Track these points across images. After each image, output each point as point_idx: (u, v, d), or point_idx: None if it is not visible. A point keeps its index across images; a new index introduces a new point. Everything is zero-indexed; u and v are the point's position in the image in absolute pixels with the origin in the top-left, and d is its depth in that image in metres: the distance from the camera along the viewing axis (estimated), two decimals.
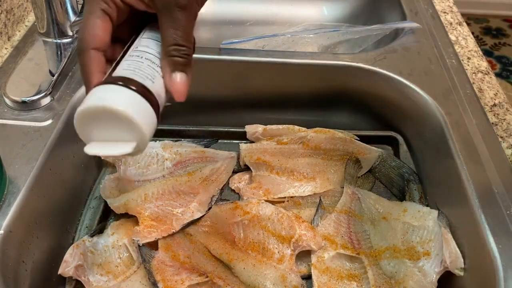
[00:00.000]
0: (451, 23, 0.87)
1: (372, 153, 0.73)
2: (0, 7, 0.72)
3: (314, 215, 0.65)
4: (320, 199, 0.67)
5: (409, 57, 0.76)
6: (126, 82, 0.39)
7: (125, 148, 0.39)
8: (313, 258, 0.60)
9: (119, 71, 0.41)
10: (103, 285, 0.57)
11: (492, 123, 0.67)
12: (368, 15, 1.00)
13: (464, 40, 0.83)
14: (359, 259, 0.59)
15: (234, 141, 0.76)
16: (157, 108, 0.40)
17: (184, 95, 0.42)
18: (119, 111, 0.37)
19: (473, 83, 0.73)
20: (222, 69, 0.75)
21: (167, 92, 0.42)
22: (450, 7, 0.92)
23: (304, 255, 0.60)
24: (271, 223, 0.62)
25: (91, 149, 0.39)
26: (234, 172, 0.72)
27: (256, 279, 0.58)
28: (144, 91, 0.39)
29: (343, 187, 0.68)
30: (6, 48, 0.74)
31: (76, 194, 0.66)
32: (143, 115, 0.39)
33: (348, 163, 0.71)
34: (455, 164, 0.61)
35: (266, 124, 0.74)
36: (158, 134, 0.76)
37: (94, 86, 0.40)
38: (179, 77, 0.42)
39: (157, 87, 0.41)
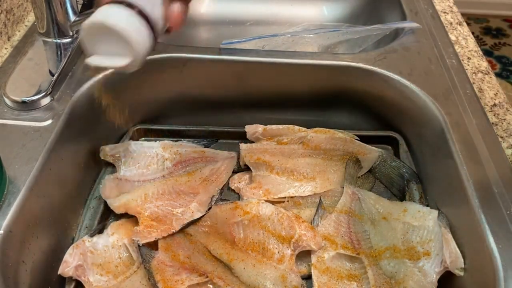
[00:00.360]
0: (451, 23, 0.87)
1: (372, 153, 0.73)
2: (0, 7, 0.72)
3: (314, 215, 0.65)
4: (320, 199, 0.67)
5: (409, 57, 0.76)
6: (128, 4, 0.44)
7: (122, 61, 0.44)
8: (313, 258, 0.60)
9: None
10: (103, 285, 0.57)
11: (492, 123, 0.67)
12: (368, 15, 1.00)
13: (464, 40, 0.83)
14: (359, 259, 0.59)
15: (234, 141, 0.76)
16: (153, 30, 0.45)
17: (180, 24, 0.47)
18: (116, 26, 0.43)
19: (473, 83, 0.73)
20: (222, 69, 0.75)
21: (166, 20, 0.47)
22: (450, 7, 0.92)
23: (304, 255, 0.60)
24: (271, 223, 0.62)
25: (93, 61, 0.45)
26: (234, 172, 0.72)
27: (256, 279, 0.58)
28: (142, 13, 0.44)
29: (343, 187, 0.68)
30: (6, 48, 0.74)
31: (76, 194, 0.66)
32: (139, 33, 0.44)
33: (348, 163, 0.71)
34: (455, 164, 0.61)
35: (266, 124, 0.74)
36: (158, 134, 0.77)
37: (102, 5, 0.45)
38: (176, 7, 0.46)
39: (156, 13, 0.46)
